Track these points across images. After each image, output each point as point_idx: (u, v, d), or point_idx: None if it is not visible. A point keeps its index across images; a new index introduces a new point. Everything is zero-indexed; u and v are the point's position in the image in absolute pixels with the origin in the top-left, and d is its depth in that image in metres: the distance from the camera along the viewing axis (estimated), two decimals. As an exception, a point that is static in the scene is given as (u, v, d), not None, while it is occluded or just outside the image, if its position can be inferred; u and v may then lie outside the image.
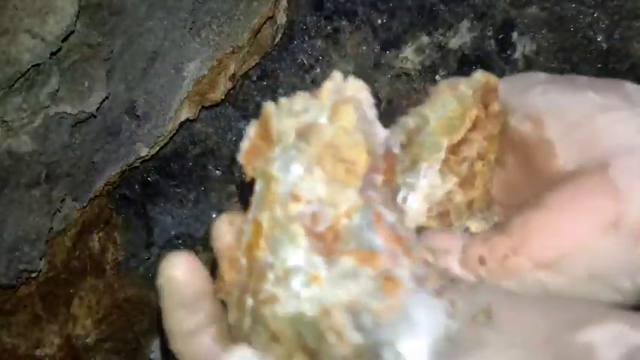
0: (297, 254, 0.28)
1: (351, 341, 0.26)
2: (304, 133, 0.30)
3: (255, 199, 0.30)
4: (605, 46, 0.64)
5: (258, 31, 0.66)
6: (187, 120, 0.64)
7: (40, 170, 0.55)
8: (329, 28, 0.68)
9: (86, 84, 0.55)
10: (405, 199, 0.37)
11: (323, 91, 0.31)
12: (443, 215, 0.37)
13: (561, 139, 0.33)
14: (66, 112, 0.54)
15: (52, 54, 0.51)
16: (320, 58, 0.67)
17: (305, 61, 0.67)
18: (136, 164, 0.64)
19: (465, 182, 0.37)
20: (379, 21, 0.67)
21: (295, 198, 0.29)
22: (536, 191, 0.33)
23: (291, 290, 0.27)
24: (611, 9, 0.63)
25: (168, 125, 0.62)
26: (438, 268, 0.29)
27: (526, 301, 0.27)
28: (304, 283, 0.27)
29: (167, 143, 0.65)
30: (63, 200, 0.58)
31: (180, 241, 0.69)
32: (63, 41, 0.52)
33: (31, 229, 0.55)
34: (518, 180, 0.36)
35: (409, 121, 0.37)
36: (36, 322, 0.60)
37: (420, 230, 0.36)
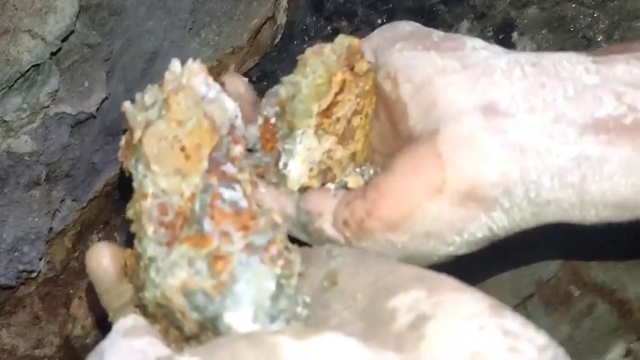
0: (151, 246, 0.30)
1: (192, 318, 0.29)
2: (142, 132, 0.32)
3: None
4: (605, 46, 0.64)
5: (258, 31, 0.66)
6: (187, 120, 0.64)
7: (40, 170, 0.55)
8: (329, 28, 0.68)
9: (86, 84, 0.55)
10: (285, 165, 0.39)
11: (164, 83, 0.33)
12: (325, 172, 0.39)
13: (411, 100, 0.36)
14: (66, 112, 0.54)
15: (52, 54, 0.52)
16: (320, 58, 0.67)
17: (305, 62, 0.67)
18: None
19: (344, 138, 0.39)
20: (379, 21, 0.67)
21: (143, 195, 0.31)
22: (398, 146, 0.36)
23: (150, 278, 0.30)
24: (612, 9, 0.63)
25: (168, 125, 0.62)
26: (284, 231, 0.31)
27: (365, 267, 0.29)
28: (156, 271, 0.30)
29: (167, 144, 0.65)
30: (63, 200, 0.58)
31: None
32: (63, 41, 0.52)
33: (30, 229, 0.55)
34: (388, 132, 0.38)
35: (281, 90, 0.39)
36: (35, 323, 0.60)
37: (304, 190, 0.39)
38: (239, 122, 0.34)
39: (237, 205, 0.31)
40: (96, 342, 0.65)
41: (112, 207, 0.66)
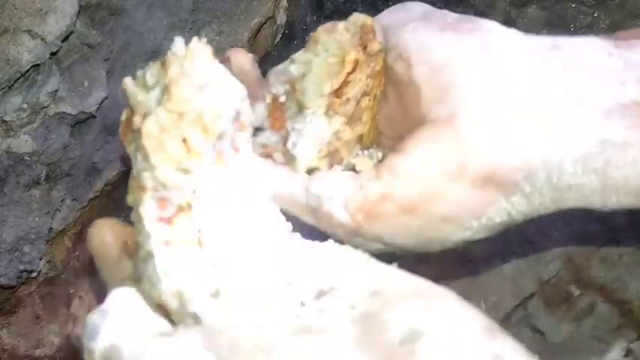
0: (149, 242, 0.28)
1: (188, 323, 0.28)
2: (142, 121, 0.30)
3: None
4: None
5: (258, 31, 0.66)
6: (187, 120, 0.64)
7: (40, 170, 0.55)
8: (329, 28, 0.68)
9: (86, 84, 0.55)
10: (295, 145, 0.38)
11: (167, 64, 0.30)
12: (333, 153, 0.38)
13: (426, 82, 0.35)
14: (66, 112, 0.54)
15: (52, 54, 0.51)
16: (320, 58, 0.67)
17: (305, 61, 0.67)
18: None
19: (353, 119, 0.38)
20: (379, 21, 0.67)
21: (142, 187, 0.29)
22: (410, 129, 0.35)
23: (147, 274, 0.29)
24: (612, 9, 0.63)
25: (169, 125, 0.62)
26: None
27: (366, 273, 0.28)
28: (153, 270, 0.28)
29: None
30: (63, 200, 0.58)
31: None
32: (63, 41, 0.52)
33: (31, 228, 0.55)
34: (398, 114, 0.38)
35: (291, 68, 0.38)
36: (36, 322, 0.60)
37: (312, 172, 0.38)
38: (245, 107, 0.32)
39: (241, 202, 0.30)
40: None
41: (113, 206, 0.66)
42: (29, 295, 0.59)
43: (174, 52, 0.31)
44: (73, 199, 0.59)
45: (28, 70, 0.50)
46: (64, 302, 0.62)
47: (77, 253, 0.62)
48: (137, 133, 0.30)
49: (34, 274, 0.58)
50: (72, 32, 0.52)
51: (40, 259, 0.57)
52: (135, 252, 0.30)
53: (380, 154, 0.39)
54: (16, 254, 0.55)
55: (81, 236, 0.62)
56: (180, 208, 0.29)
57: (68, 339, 0.61)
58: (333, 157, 0.38)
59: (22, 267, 0.56)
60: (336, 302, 0.27)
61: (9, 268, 0.55)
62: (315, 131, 0.38)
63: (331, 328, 0.25)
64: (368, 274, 0.28)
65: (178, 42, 0.31)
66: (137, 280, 0.30)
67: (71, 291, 0.62)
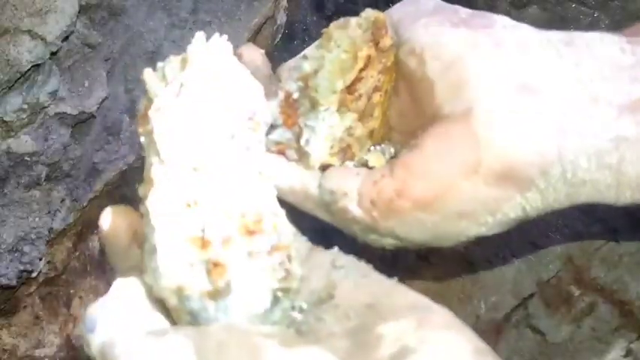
0: (153, 236, 0.28)
1: (185, 320, 0.28)
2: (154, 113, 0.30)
3: None
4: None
5: (259, 31, 0.66)
6: (187, 120, 0.64)
7: (40, 171, 0.55)
8: (329, 28, 0.68)
9: (86, 84, 0.55)
10: (307, 141, 0.38)
11: (187, 60, 0.30)
12: (345, 149, 0.38)
13: (439, 78, 0.35)
14: (66, 113, 0.54)
15: (52, 54, 0.52)
16: (320, 58, 0.67)
17: (305, 62, 0.67)
18: (137, 164, 0.64)
19: (364, 115, 0.38)
20: (379, 21, 0.67)
21: (149, 181, 0.29)
22: (422, 124, 0.35)
23: (151, 267, 0.28)
24: (613, 10, 0.63)
25: (169, 125, 0.62)
26: (287, 240, 0.30)
27: (365, 285, 0.28)
28: (156, 265, 0.28)
29: (167, 143, 0.65)
30: (63, 200, 0.58)
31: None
32: (63, 41, 0.52)
33: (31, 229, 0.55)
34: (409, 109, 0.37)
35: (304, 65, 0.38)
36: (36, 322, 0.60)
37: (324, 168, 0.38)
38: (261, 106, 0.31)
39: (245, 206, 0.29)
40: (96, 342, 0.65)
41: (113, 207, 0.66)
42: (29, 295, 0.59)
43: (195, 49, 0.30)
44: (73, 200, 0.59)
45: (28, 71, 0.50)
46: (64, 302, 0.62)
47: (77, 253, 0.62)
48: (151, 125, 0.30)
49: (34, 275, 0.58)
50: (72, 32, 0.52)
51: (40, 260, 0.57)
52: (143, 243, 0.30)
53: (392, 150, 0.39)
54: (16, 254, 0.55)
55: (81, 236, 0.62)
56: (187, 205, 0.29)
57: (68, 339, 0.61)
58: (345, 153, 0.38)
59: (22, 267, 0.56)
60: (333, 311, 0.26)
61: (9, 268, 0.55)
62: (327, 127, 0.38)
63: (324, 339, 0.25)
64: (367, 285, 0.28)
65: (199, 38, 0.31)
66: (143, 270, 0.30)
67: (71, 291, 0.62)
